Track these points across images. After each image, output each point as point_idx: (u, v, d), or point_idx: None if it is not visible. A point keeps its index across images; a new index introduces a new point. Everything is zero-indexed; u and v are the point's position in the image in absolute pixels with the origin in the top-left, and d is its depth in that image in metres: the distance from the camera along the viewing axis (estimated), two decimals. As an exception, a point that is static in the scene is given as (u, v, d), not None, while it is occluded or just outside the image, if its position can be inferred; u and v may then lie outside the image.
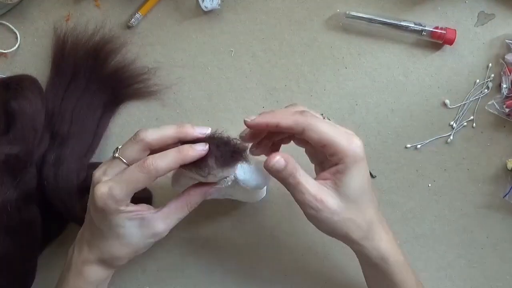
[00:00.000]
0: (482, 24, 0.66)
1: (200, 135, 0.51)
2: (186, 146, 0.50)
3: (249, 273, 0.69)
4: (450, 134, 0.67)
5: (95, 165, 0.66)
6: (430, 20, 0.66)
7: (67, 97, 0.65)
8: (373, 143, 0.68)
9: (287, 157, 0.51)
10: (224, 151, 0.50)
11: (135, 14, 0.66)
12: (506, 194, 0.66)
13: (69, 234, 0.69)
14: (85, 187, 0.64)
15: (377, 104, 0.68)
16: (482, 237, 0.68)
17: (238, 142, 0.52)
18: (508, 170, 0.66)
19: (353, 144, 0.50)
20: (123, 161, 0.51)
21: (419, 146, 0.68)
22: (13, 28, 0.67)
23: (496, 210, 0.68)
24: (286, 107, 0.55)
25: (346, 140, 0.50)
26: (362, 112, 0.68)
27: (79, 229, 0.65)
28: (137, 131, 0.52)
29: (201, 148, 0.50)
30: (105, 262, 0.54)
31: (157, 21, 0.67)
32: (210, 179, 0.52)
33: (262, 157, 0.55)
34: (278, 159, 0.50)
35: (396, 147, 0.68)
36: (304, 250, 0.68)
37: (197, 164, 0.50)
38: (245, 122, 0.52)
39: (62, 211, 0.64)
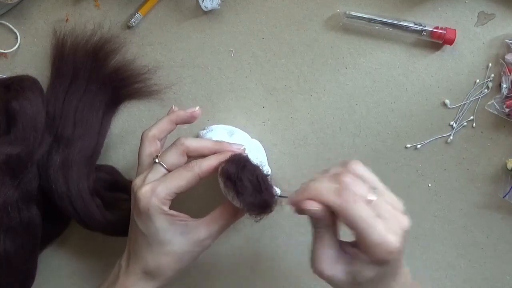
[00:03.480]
0: (482, 24, 0.66)
1: (236, 150, 0.54)
2: (226, 149, 0.54)
3: (249, 273, 0.69)
4: (450, 134, 0.67)
5: (103, 167, 0.67)
6: (430, 20, 0.66)
7: (68, 99, 0.65)
8: (373, 143, 0.68)
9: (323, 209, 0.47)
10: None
11: (135, 14, 0.66)
12: (506, 194, 0.66)
13: (69, 234, 0.69)
14: (95, 189, 0.64)
15: (377, 104, 0.68)
16: (482, 237, 0.68)
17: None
18: (508, 170, 0.66)
19: (384, 246, 0.45)
20: (163, 165, 0.53)
21: (419, 146, 0.68)
22: (13, 28, 0.67)
23: (496, 210, 0.68)
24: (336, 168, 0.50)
25: (378, 238, 0.44)
26: (362, 112, 0.68)
27: (80, 229, 0.66)
28: (178, 138, 0.55)
29: (238, 147, 0.54)
30: (150, 273, 0.54)
31: (157, 21, 0.67)
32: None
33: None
34: (314, 205, 0.47)
35: (396, 147, 0.68)
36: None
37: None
38: (289, 202, 0.49)
39: (71, 215, 0.64)
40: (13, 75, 0.66)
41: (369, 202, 0.46)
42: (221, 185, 0.51)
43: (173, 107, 0.59)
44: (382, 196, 0.48)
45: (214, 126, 0.64)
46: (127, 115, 0.68)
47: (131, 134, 0.68)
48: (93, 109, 0.65)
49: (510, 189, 0.66)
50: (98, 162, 0.67)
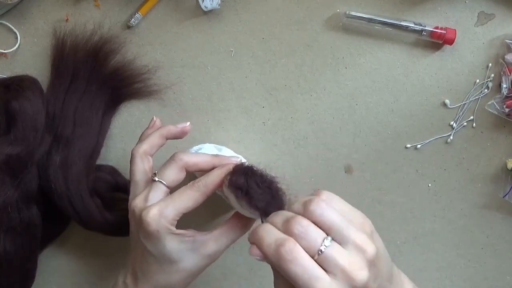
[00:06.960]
0: (482, 24, 0.66)
1: (235, 161, 0.53)
2: (225, 162, 0.54)
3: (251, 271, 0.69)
4: (450, 134, 0.67)
5: (103, 167, 0.67)
6: (430, 20, 0.66)
7: (68, 99, 0.65)
8: (373, 143, 0.68)
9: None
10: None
11: (135, 14, 0.66)
12: (506, 194, 0.66)
13: (69, 234, 0.69)
14: (95, 189, 0.64)
15: (377, 104, 0.68)
16: (482, 237, 0.68)
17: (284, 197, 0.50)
18: (508, 170, 0.66)
19: None
20: (163, 183, 0.52)
21: (419, 146, 0.68)
22: (13, 28, 0.67)
23: (496, 210, 0.68)
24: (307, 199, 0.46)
25: None
26: (362, 112, 0.68)
27: (80, 229, 0.66)
28: (174, 153, 0.54)
29: (235, 159, 0.54)
30: None
31: (157, 21, 0.67)
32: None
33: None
34: (256, 254, 0.45)
35: (396, 147, 0.68)
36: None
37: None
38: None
39: (71, 214, 0.64)
40: (13, 75, 0.66)
41: (317, 254, 0.43)
42: (231, 197, 0.50)
43: (154, 118, 0.59)
44: (344, 232, 0.44)
45: (201, 146, 0.64)
46: (127, 115, 0.68)
47: (131, 134, 0.68)
48: (93, 109, 0.65)
49: (510, 189, 0.66)
50: (98, 162, 0.67)
